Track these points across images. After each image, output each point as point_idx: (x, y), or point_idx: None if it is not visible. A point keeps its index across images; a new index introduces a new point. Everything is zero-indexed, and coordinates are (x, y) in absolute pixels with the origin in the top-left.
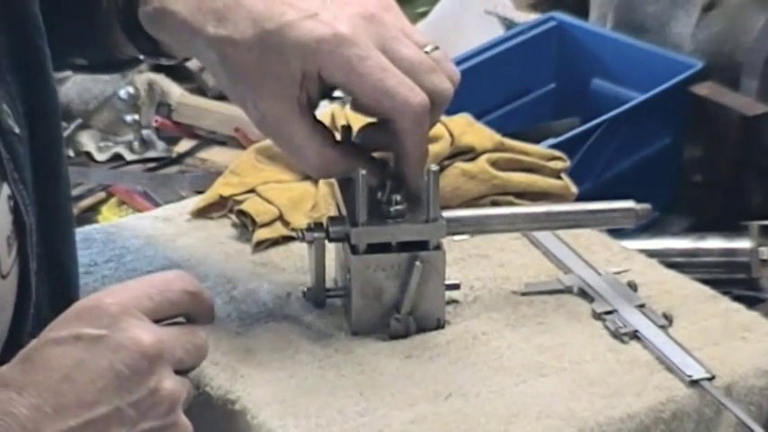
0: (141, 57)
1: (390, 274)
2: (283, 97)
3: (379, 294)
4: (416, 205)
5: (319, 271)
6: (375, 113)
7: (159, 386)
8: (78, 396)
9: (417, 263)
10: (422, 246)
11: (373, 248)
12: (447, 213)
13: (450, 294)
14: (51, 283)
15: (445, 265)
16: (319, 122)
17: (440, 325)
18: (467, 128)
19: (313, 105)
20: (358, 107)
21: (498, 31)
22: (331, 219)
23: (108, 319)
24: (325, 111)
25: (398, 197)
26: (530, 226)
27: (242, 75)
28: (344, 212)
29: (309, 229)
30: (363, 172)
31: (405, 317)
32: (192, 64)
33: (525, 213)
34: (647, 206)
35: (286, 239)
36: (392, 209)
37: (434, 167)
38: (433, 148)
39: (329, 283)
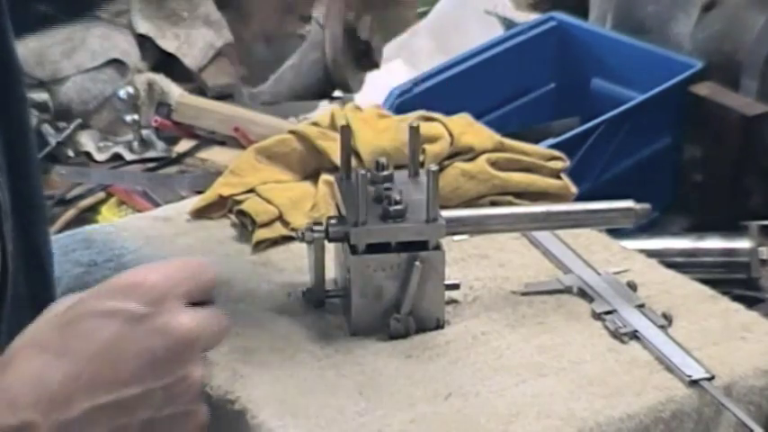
0: None
1: (390, 274)
2: None
3: (378, 294)
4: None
5: (319, 271)
6: None
7: (190, 373)
8: (115, 372)
9: (417, 263)
10: (422, 246)
11: (373, 248)
12: (447, 213)
13: (450, 294)
14: (26, 265)
15: (445, 265)
16: None
17: (439, 325)
18: (467, 128)
19: None
20: None
21: (498, 31)
22: (330, 219)
23: (151, 299)
24: (325, 111)
25: (398, 197)
26: (529, 226)
27: None
28: (344, 212)
29: (309, 229)
30: (363, 172)
31: (405, 317)
32: (192, 64)
33: (525, 213)
34: (646, 206)
35: (286, 239)
36: (392, 209)
37: (434, 167)
38: (433, 148)
39: (329, 284)
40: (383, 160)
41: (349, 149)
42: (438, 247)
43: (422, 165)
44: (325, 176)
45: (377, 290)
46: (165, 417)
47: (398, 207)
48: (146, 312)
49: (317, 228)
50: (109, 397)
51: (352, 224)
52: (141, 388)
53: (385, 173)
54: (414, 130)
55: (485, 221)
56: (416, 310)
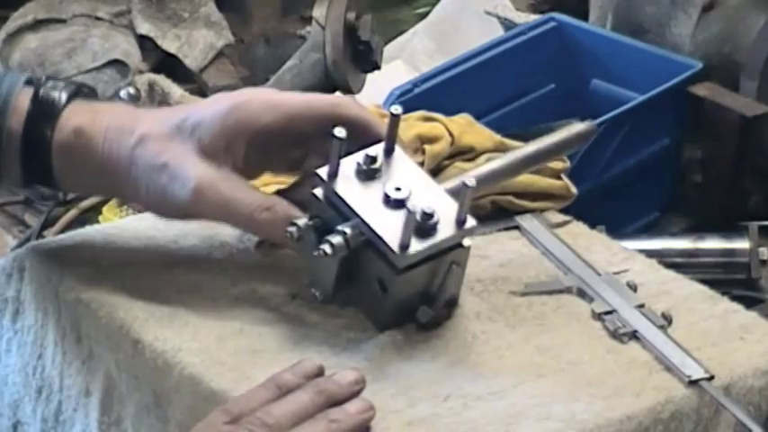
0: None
1: (423, 277)
2: None
3: (412, 296)
4: None
5: (340, 282)
6: None
7: None
8: None
9: (455, 266)
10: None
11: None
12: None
13: None
14: None
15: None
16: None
17: (455, 301)
18: (467, 128)
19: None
20: None
21: (498, 32)
22: (343, 233)
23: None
24: None
25: (428, 209)
26: (508, 176)
27: None
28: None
29: (330, 245)
30: (410, 213)
31: (439, 309)
32: (193, 64)
33: (501, 168)
34: (591, 122)
35: None
36: (428, 224)
37: (471, 183)
38: (433, 148)
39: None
40: (374, 153)
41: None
42: (462, 245)
43: (421, 165)
44: None
45: (411, 293)
46: None
47: (433, 221)
48: None
49: (336, 242)
50: None
51: (395, 247)
52: None
53: (375, 166)
54: (394, 118)
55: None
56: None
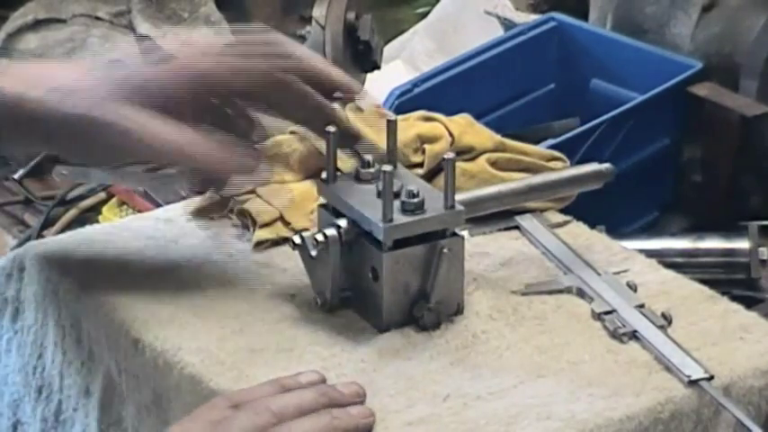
0: None
1: (416, 266)
2: None
3: (406, 288)
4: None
5: (336, 276)
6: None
7: None
8: None
9: (446, 250)
10: (440, 234)
11: (396, 244)
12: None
13: None
14: None
15: (464, 250)
16: None
17: (459, 310)
18: (467, 128)
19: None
20: None
21: (498, 32)
22: (333, 223)
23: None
24: None
25: (415, 189)
26: (517, 200)
27: None
28: (348, 213)
29: (316, 239)
30: (388, 168)
31: (436, 306)
32: None
33: (511, 190)
34: (609, 166)
35: (287, 240)
36: (413, 201)
37: (451, 155)
38: (433, 148)
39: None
40: (369, 158)
41: (335, 154)
42: (456, 234)
43: (422, 165)
44: None
45: (405, 284)
46: None
47: (417, 200)
48: None
49: (330, 233)
50: None
51: (378, 222)
52: None
53: (372, 170)
54: (391, 124)
55: (476, 203)
56: (439, 297)
